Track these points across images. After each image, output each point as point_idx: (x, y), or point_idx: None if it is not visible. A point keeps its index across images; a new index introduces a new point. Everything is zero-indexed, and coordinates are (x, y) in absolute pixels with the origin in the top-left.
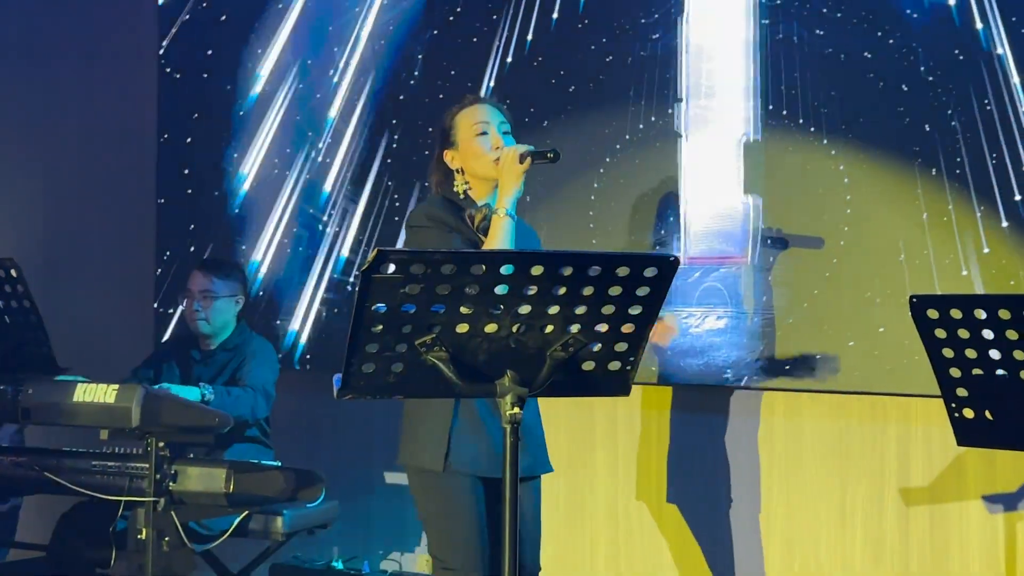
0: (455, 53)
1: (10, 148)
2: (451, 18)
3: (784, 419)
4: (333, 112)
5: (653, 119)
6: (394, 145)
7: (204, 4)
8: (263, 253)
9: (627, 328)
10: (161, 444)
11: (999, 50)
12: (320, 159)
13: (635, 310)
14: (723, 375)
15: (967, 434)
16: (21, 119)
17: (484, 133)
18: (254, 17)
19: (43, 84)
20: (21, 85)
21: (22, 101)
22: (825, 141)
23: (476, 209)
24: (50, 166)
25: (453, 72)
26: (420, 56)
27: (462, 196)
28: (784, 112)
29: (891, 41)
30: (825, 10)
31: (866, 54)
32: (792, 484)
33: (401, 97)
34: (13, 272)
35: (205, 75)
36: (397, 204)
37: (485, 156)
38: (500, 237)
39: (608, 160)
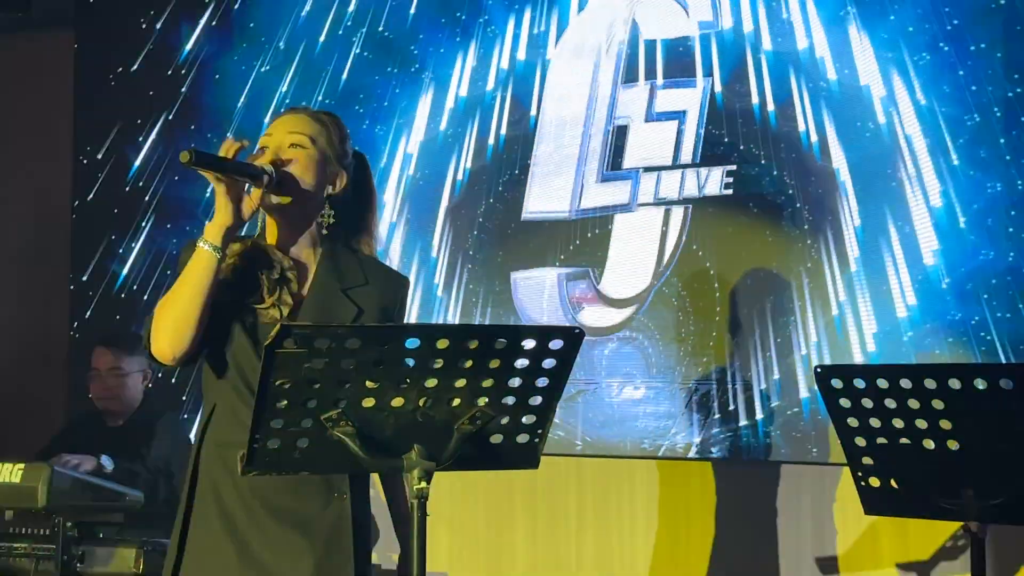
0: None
1: None
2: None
3: (699, 488)
4: None
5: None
6: None
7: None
8: None
9: (534, 400)
10: (69, 524)
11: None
12: None
13: (542, 382)
14: (641, 444)
15: (874, 503)
16: None
17: (263, 149)
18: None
19: None
20: None
21: None
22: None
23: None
24: None
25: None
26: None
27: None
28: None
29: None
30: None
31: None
32: (708, 552)
33: None
34: None
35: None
36: None
37: None
38: (184, 272)
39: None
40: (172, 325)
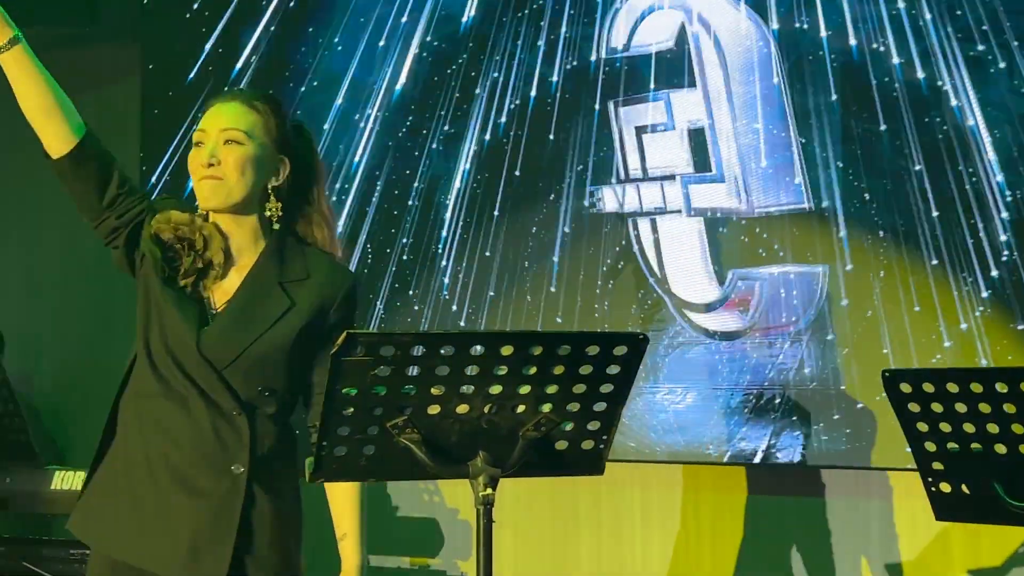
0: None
1: None
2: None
3: (766, 494)
4: None
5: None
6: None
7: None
8: None
9: (599, 407)
10: None
11: (970, 122)
12: None
13: (606, 388)
14: (706, 450)
15: (945, 508)
16: (8, 199)
17: (198, 144)
18: None
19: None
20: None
21: (12, 185)
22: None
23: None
24: (33, 246)
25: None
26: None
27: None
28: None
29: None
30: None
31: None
32: (775, 558)
33: None
34: None
35: None
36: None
37: (193, 175)
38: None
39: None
40: (33, 124)
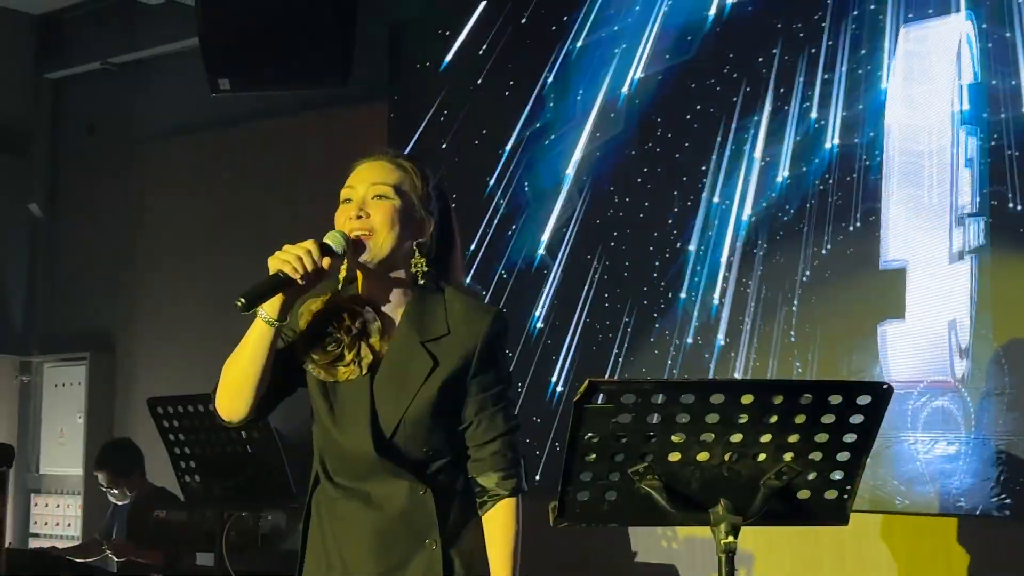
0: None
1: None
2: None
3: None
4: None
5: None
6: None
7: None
8: None
9: (842, 456)
10: None
11: None
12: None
13: (849, 438)
14: (957, 503)
15: None
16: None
17: (347, 200)
18: None
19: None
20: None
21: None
22: None
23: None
24: None
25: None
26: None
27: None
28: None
29: None
30: None
31: None
32: None
33: None
34: None
35: None
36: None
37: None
38: (243, 339)
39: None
40: (228, 390)
